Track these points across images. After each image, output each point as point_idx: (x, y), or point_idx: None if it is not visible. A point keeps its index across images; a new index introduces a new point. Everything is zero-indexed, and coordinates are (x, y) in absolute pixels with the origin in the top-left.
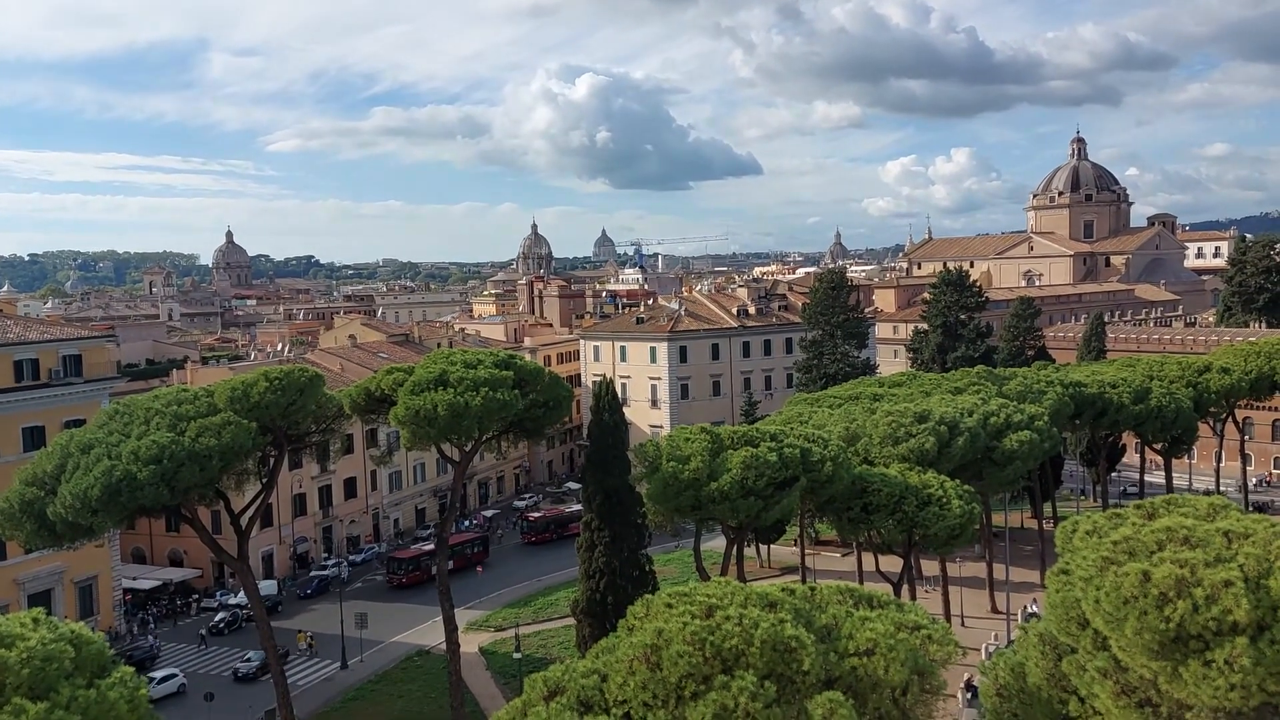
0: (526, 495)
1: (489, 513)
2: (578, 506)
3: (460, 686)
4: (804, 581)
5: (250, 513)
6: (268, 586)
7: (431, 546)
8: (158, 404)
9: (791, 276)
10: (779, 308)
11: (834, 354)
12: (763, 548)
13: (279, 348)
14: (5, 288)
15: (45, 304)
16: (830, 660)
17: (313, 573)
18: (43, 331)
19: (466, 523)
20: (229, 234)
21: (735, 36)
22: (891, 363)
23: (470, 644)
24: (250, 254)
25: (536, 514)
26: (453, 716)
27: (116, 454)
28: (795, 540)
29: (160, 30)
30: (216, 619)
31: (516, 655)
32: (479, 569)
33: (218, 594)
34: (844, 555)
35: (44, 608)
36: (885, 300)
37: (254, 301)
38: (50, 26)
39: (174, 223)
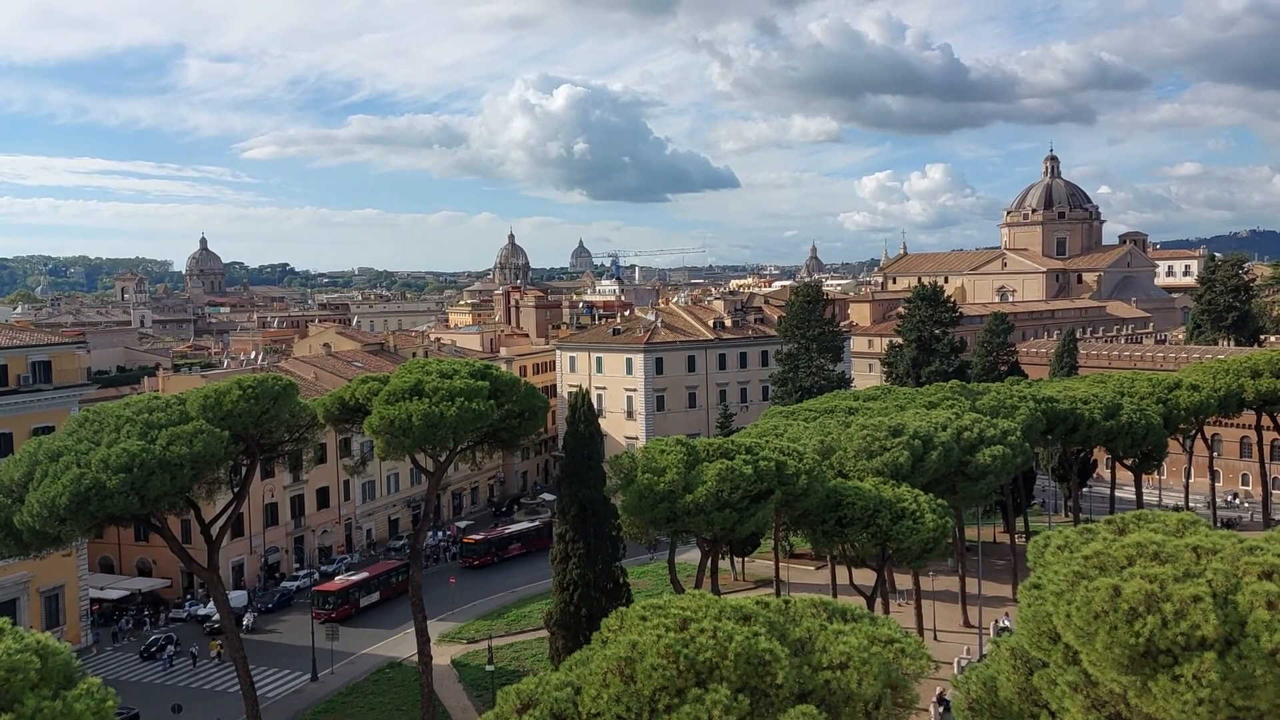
0: (465, 517)
1: (463, 523)
2: (518, 526)
3: (432, 699)
4: (778, 594)
5: (221, 522)
6: (238, 597)
7: (359, 577)
8: (128, 412)
9: (768, 290)
10: (755, 320)
11: (809, 367)
12: (737, 561)
13: (252, 356)
14: None
15: (15, 309)
16: (804, 674)
17: (283, 584)
18: (11, 337)
19: (351, 558)
20: (203, 241)
21: (713, 50)
22: (866, 376)
23: (443, 656)
24: (225, 261)
25: (475, 536)
26: None
27: (86, 462)
28: (770, 553)
29: (137, 34)
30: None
31: (489, 668)
32: (452, 580)
33: (186, 604)
34: (818, 568)
35: (9, 617)
36: (860, 314)
37: (228, 309)
38: (24, 29)
39: (147, 229)
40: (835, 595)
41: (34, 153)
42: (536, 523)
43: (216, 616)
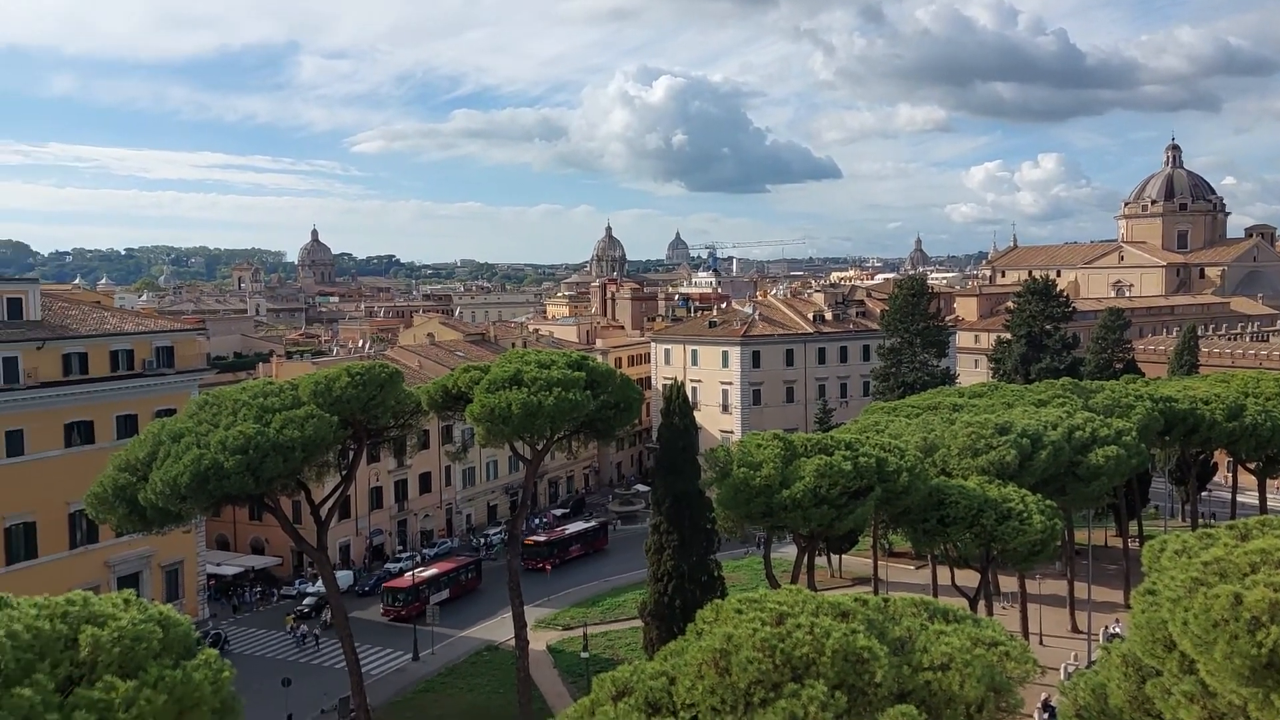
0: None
1: (558, 511)
2: (577, 526)
3: (528, 683)
4: (876, 593)
5: (329, 504)
6: (344, 576)
7: (429, 574)
8: (245, 396)
9: (870, 282)
10: (856, 314)
11: (912, 362)
12: (834, 557)
13: (360, 344)
14: (104, 280)
15: (140, 297)
16: (903, 673)
17: (386, 565)
18: (138, 323)
19: (476, 540)
20: (314, 233)
21: (816, 39)
22: (972, 373)
23: (538, 641)
24: (334, 252)
25: (536, 537)
26: (520, 712)
27: (205, 443)
28: (868, 551)
29: (255, 33)
30: (302, 605)
31: (584, 654)
32: (547, 567)
33: (296, 582)
34: (918, 568)
35: (133, 589)
36: (967, 308)
37: (337, 299)
38: (150, 29)
39: (263, 221)
40: (936, 595)
41: (159, 148)
42: (593, 523)
43: (306, 599)
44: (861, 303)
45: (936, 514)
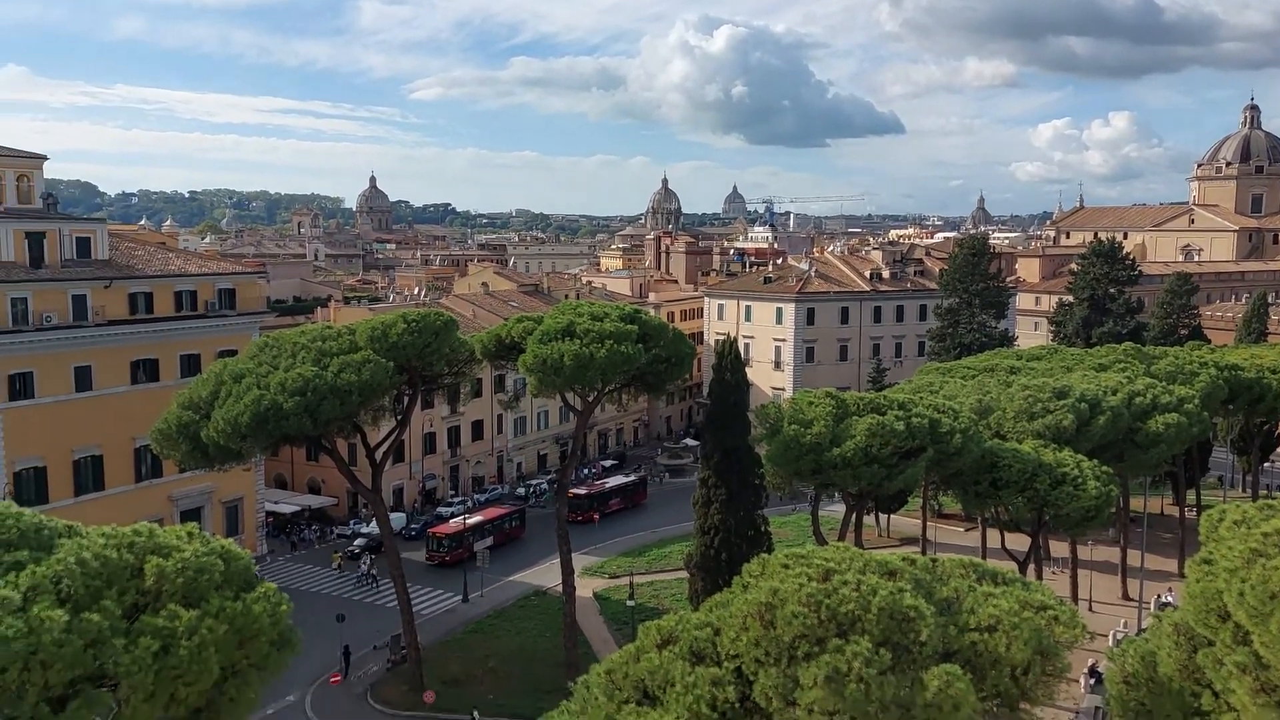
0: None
1: (607, 463)
2: (616, 480)
3: (575, 628)
4: (924, 553)
5: (384, 448)
6: (397, 518)
7: (474, 521)
8: (304, 339)
9: (930, 241)
10: (915, 273)
11: (970, 323)
12: (882, 517)
13: (416, 291)
14: (168, 222)
15: (203, 239)
16: (949, 633)
17: (439, 509)
18: (201, 265)
19: (522, 489)
20: (372, 179)
21: None
22: (1031, 335)
23: (585, 589)
24: (391, 199)
25: (577, 490)
26: (567, 656)
27: (265, 384)
28: (917, 512)
29: None
30: (352, 545)
31: (630, 603)
32: (595, 516)
33: (351, 523)
34: (967, 530)
35: (196, 523)
36: (1029, 270)
37: (393, 246)
38: None
39: (322, 166)
40: (985, 558)
41: (222, 91)
42: (633, 478)
43: (357, 540)
44: (920, 261)
45: (989, 477)
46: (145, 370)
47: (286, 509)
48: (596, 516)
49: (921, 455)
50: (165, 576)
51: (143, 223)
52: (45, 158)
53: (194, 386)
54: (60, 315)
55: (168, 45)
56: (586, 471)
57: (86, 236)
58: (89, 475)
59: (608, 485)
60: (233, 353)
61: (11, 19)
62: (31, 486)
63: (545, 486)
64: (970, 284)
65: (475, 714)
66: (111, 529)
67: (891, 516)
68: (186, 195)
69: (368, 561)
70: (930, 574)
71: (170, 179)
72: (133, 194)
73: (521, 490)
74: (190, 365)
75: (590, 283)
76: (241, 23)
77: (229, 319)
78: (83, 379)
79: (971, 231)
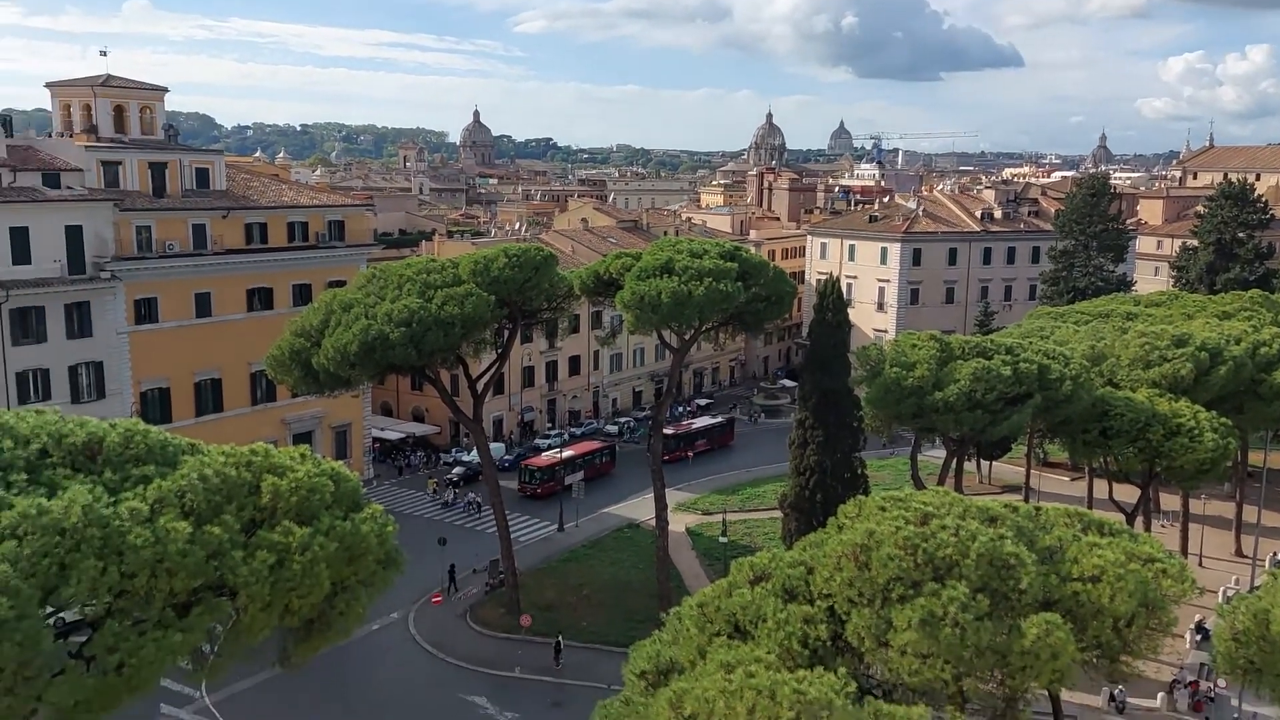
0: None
1: (702, 401)
2: (703, 422)
3: (667, 561)
4: (1027, 501)
5: (485, 379)
6: (497, 448)
7: (566, 455)
8: (409, 272)
9: (1046, 180)
10: (1028, 213)
11: (1086, 267)
12: (984, 463)
13: (516, 226)
14: (281, 154)
15: (314, 172)
16: (1050, 582)
17: (536, 441)
18: (312, 198)
19: (613, 425)
20: (476, 113)
21: None
22: (1151, 280)
23: (678, 524)
24: (494, 134)
25: (665, 430)
26: (659, 588)
27: (373, 315)
28: (1021, 459)
29: None
30: (450, 474)
31: (723, 539)
32: (689, 454)
33: (453, 451)
34: (1073, 479)
35: (307, 445)
36: (1151, 211)
37: (495, 180)
38: None
39: (427, 100)
40: (1091, 508)
41: (331, 24)
42: (720, 419)
43: (456, 469)
44: (1035, 201)
45: (1099, 425)
46: (260, 298)
47: (392, 435)
48: (690, 454)
49: (1028, 401)
50: (280, 494)
51: (257, 155)
52: (166, 90)
53: (305, 315)
54: (181, 244)
55: None
56: (681, 410)
57: (205, 168)
58: (209, 397)
59: (694, 426)
60: (341, 283)
61: None
62: (157, 406)
63: (634, 423)
64: (1088, 225)
65: (560, 639)
66: (230, 448)
67: (994, 463)
68: (298, 128)
69: (451, 493)
70: (1033, 522)
71: (283, 112)
72: (248, 127)
73: (613, 427)
74: (302, 294)
75: (690, 219)
76: None
77: (338, 250)
78: (203, 305)
79: (1091, 170)
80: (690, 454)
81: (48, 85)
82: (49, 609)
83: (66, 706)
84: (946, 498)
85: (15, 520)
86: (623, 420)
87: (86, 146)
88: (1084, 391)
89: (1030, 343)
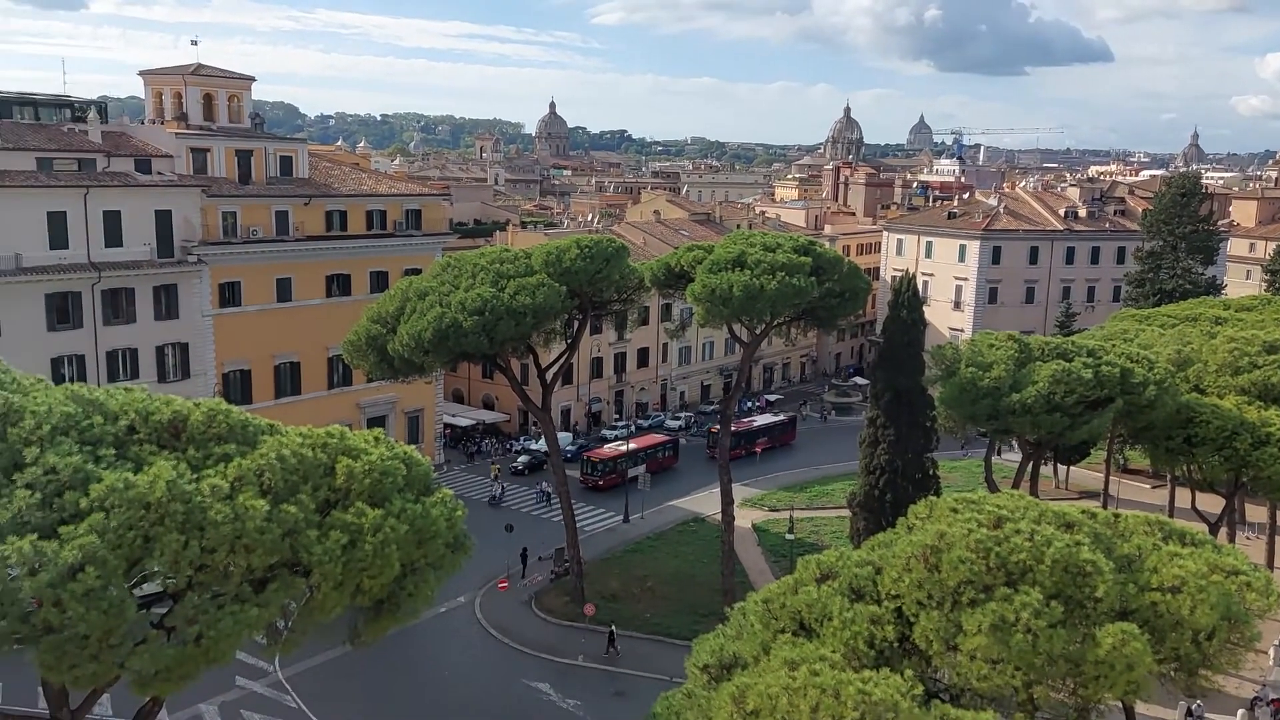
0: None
1: (772, 397)
2: (764, 420)
3: (732, 556)
4: (1105, 508)
5: (554, 369)
6: (565, 437)
7: (628, 448)
8: (483, 261)
9: (1134, 179)
10: (1114, 212)
11: (1174, 269)
12: (1061, 468)
13: (589, 218)
14: (362, 144)
15: (393, 161)
16: (1128, 591)
17: (603, 432)
18: (391, 187)
19: (675, 420)
20: (552, 105)
21: None
22: (1242, 284)
23: (744, 519)
24: (569, 125)
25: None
26: (724, 582)
27: (447, 303)
28: (1100, 464)
29: None
30: (515, 462)
31: (789, 536)
32: (758, 448)
33: (522, 439)
34: (1154, 487)
35: (381, 429)
36: (1244, 213)
37: (569, 172)
38: None
39: (505, 91)
40: (1172, 517)
41: (412, 16)
42: (781, 417)
43: (521, 458)
44: (1121, 200)
45: (1183, 432)
46: (339, 284)
47: (463, 422)
48: (757, 450)
49: (1109, 406)
50: (354, 476)
51: (339, 144)
52: (253, 79)
53: (382, 302)
54: (264, 230)
55: None
56: (750, 405)
57: (289, 155)
58: (287, 380)
59: (755, 424)
60: (417, 271)
61: None
62: (238, 387)
63: (694, 417)
64: (1177, 226)
65: (614, 628)
66: (307, 429)
67: (1071, 468)
68: (379, 118)
69: (500, 488)
70: (1111, 529)
71: (364, 102)
72: (330, 116)
73: (674, 422)
74: (379, 281)
75: (764, 213)
76: None
77: (415, 239)
78: (283, 290)
79: (1182, 169)
80: (757, 450)
81: (141, 73)
82: (133, 580)
83: (148, 674)
84: (1021, 501)
85: (103, 493)
86: (685, 414)
87: (177, 133)
88: (1168, 397)
89: (1113, 345)
